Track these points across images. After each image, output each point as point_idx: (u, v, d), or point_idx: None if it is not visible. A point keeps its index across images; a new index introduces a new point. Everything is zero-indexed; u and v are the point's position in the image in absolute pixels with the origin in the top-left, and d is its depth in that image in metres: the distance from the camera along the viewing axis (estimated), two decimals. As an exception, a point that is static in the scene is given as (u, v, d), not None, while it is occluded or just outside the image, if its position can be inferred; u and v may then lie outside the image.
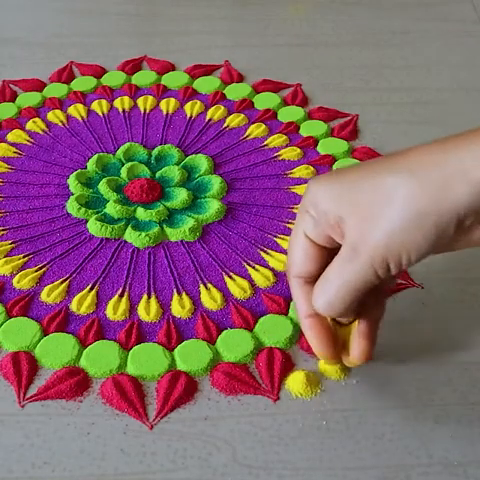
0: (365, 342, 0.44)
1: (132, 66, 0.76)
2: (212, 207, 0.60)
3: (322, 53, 0.80)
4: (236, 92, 0.73)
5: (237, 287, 0.54)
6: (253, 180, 0.64)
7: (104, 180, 0.62)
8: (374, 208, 0.38)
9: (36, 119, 0.69)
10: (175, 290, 0.54)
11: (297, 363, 0.50)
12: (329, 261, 0.42)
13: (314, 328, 0.44)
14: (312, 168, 0.64)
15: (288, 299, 0.53)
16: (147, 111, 0.71)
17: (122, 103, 0.71)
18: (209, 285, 0.54)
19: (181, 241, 0.58)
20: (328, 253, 0.42)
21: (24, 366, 0.49)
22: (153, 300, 0.53)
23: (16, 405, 0.47)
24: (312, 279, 0.43)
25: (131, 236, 0.57)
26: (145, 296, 0.54)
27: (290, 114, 0.70)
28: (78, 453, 0.45)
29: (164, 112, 0.71)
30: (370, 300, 0.43)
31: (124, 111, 0.71)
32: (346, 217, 0.39)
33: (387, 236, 0.37)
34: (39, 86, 0.73)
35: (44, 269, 0.55)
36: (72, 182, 0.62)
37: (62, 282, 0.54)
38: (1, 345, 0.50)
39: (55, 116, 0.70)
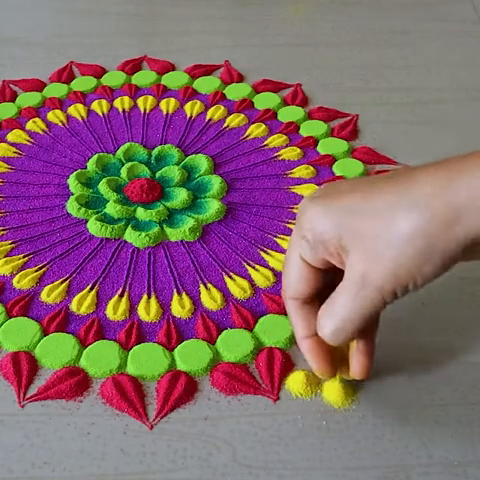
0: (365, 359, 0.45)
1: (132, 66, 0.76)
2: (212, 207, 0.60)
3: (322, 53, 0.80)
4: (236, 92, 0.73)
5: (237, 287, 0.54)
6: (253, 180, 0.64)
7: (104, 180, 0.62)
8: (379, 237, 0.37)
9: (36, 119, 0.69)
10: (175, 290, 0.54)
11: (297, 363, 0.50)
12: (324, 281, 0.42)
13: (313, 349, 0.45)
14: (312, 168, 0.64)
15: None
16: (147, 111, 0.71)
17: (122, 103, 0.71)
18: (209, 285, 0.54)
19: (181, 241, 0.58)
20: (324, 274, 0.43)
21: (24, 366, 0.49)
22: (153, 300, 0.53)
23: (16, 405, 0.47)
24: (308, 300, 0.44)
25: (131, 236, 0.57)
26: (145, 296, 0.54)
27: (290, 114, 0.70)
28: (78, 453, 0.45)
29: (164, 112, 0.71)
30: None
31: (124, 111, 0.71)
32: (350, 248, 0.39)
33: (395, 267, 0.37)
34: (39, 86, 0.73)
35: (44, 269, 0.55)
36: (72, 182, 0.62)
37: (62, 282, 0.54)
38: (1, 345, 0.50)
39: (55, 116, 0.70)
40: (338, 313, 0.41)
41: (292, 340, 0.51)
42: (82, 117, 0.70)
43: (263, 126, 0.69)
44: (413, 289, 0.38)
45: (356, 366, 0.45)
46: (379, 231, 0.37)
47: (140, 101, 0.72)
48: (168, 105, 0.71)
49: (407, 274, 0.37)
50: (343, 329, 0.41)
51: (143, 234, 0.57)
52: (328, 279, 0.43)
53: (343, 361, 0.46)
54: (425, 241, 0.36)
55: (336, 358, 0.46)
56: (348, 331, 0.41)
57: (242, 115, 0.70)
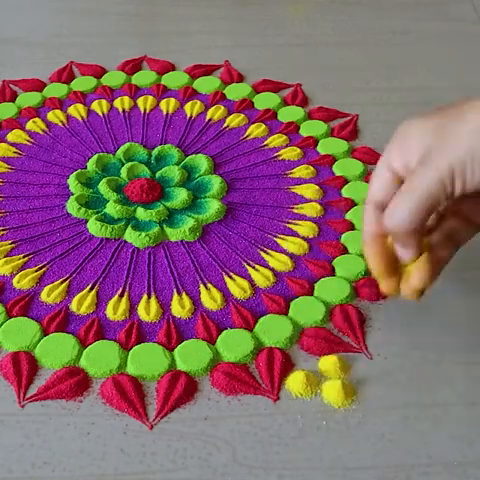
0: (427, 270, 0.46)
1: (132, 66, 0.76)
2: (212, 207, 0.60)
3: (322, 53, 0.80)
4: (236, 92, 0.73)
5: (237, 287, 0.54)
6: (253, 180, 0.64)
7: (104, 180, 0.62)
8: (452, 127, 0.41)
9: (36, 119, 0.69)
10: (175, 290, 0.54)
11: (297, 363, 0.50)
12: None
13: (376, 246, 0.47)
14: (312, 168, 0.64)
15: (288, 299, 0.53)
16: (147, 111, 0.71)
17: (122, 103, 0.71)
18: (209, 285, 0.54)
19: (181, 241, 0.58)
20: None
21: (24, 366, 0.49)
22: (153, 300, 0.53)
23: (16, 405, 0.47)
24: (385, 208, 0.46)
25: (131, 236, 0.57)
26: (145, 296, 0.54)
27: (290, 114, 0.70)
28: (78, 453, 0.45)
29: (164, 112, 0.71)
30: (439, 239, 0.46)
31: (124, 111, 0.71)
32: (426, 141, 0.42)
33: (454, 145, 0.41)
34: (39, 86, 0.73)
35: (44, 269, 0.55)
36: (72, 182, 0.62)
37: (62, 282, 0.54)
38: (1, 345, 0.50)
39: (55, 116, 0.70)
40: (402, 197, 0.43)
41: (292, 340, 0.51)
42: (82, 117, 0.70)
43: (263, 126, 0.69)
44: (470, 177, 0.41)
45: (418, 273, 0.46)
46: (453, 123, 0.42)
47: (140, 101, 0.72)
48: (168, 105, 0.71)
49: (464, 153, 0.40)
50: (404, 214, 0.43)
51: (143, 234, 0.57)
52: None
53: (406, 279, 0.47)
54: None
55: (396, 266, 0.47)
56: (409, 217, 0.43)
57: (242, 115, 0.70)
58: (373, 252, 0.47)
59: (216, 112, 0.70)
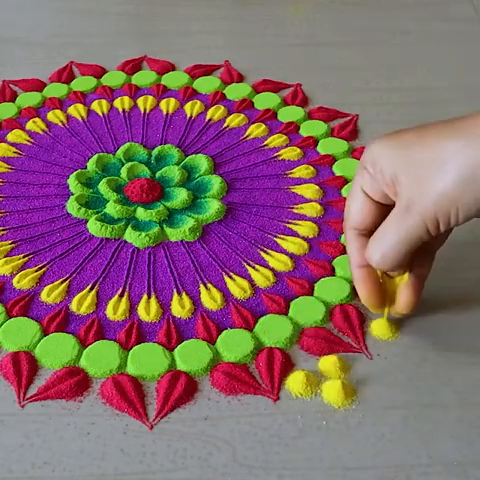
0: (412, 293, 0.48)
1: (132, 66, 0.76)
2: (212, 207, 0.60)
3: (322, 53, 0.80)
4: (236, 92, 0.73)
5: (237, 287, 0.54)
6: (253, 180, 0.64)
7: (104, 180, 0.62)
8: (429, 168, 0.40)
9: (36, 119, 0.69)
10: (175, 290, 0.54)
11: (297, 363, 0.50)
12: (383, 216, 0.45)
13: (363, 278, 0.48)
14: (312, 168, 0.64)
15: (288, 299, 0.53)
16: (147, 111, 0.71)
17: (122, 103, 0.71)
18: (209, 285, 0.54)
19: (181, 241, 0.58)
20: (383, 209, 0.46)
21: (24, 366, 0.49)
22: (153, 300, 0.53)
23: (16, 405, 0.47)
24: (366, 232, 0.47)
25: (131, 236, 0.57)
26: (145, 296, 0.54)
27: (290, 114, 0.70)
28: (78, 453, 0.45)
29: (164, 112, 0.71)
30: (419, 258, 0.47)
31: (124, 111, 0.71)
32: (401, 175, 0.42)
33: (439, 194, 0.40)
34: (39, 86, 0.73)
35: (44, 269, 0.55)
36: (72, 182, 0.62)
37: (62, 282, 0.54)
38: (1, 345, 0.50)
39: (55, 116, 0.70)
40: (384, 238, 0.44)
41: (292, 340, 0.51)
42: (82, 117, 0.70)
43: (263, 126, 0.69)
44: (454, 221, 0.41)
45: (403, 299, 0.48)
46: (427, 160, 0.41)
47: (140, 101, 0.72)
48: (168, 105, 0.71)
49: (449, 202, 0.40)
50: (388, 254, 0.44)
51: (143, 234, 0.57)
52: (386, 215, 0.45)
53: (392, 300, 0.49)
54: (470, 170, 0.39)
55: (385, 293, 0.49)
56: (393, 256, 0.44)
57: (242, 115, 0.70)
58: (363, 286, 0.49)
59: (216, 112, 0.70)
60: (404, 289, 0.48)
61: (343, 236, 0.56)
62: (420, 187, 0.41)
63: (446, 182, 0.40)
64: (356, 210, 0.46)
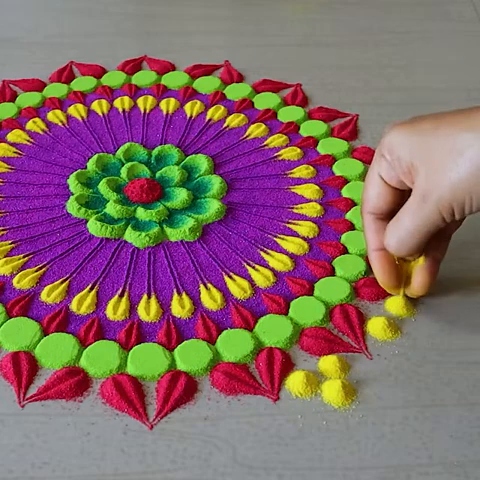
0: (427, 276, 0.50)
1: (132, 66, 0.76)
2: (212, 207, 0.60)
3: (322, 53, 0.80)
4: (236, 92, 0.73)
5: (237, 287, 0.54)
6: (253, 180, 0.64)
7: (104, 180, 0.62)
8: (445, 159, 0.42)
9: (36, 119, 0.69)
10: (175, 290, 0.54)
11: (297, 363, 0.50)
12: (399, 201, 0.47)
13: (380, 260, 0.50)
14: (312, 168, 0.64)
15: (288, 299, 0.53)
16: (147, 111, 0.71)
17: (122, 103, 0.71)
18: (209, 285, 0.54)
19: (181, 241, 0.58)
20: (399, 194, 0.47)
21: (24, 366, 0.49)
22: (153, 300, 0.53)
23: (16, 405, 0.47)
24: (383, 216, 0.49)
25: (131, 236, 0.57)
26: (145, 296, 0.54)
27: (290, 114, 0.70)
28: (78, 453, 0.45)
29: (164, 112, 0.71)
30: (434, 241, 0.48)
31: (124, 111, 0.71)
32: (418, 165, 0.43)
33: (454, 184, 0.42)
34: (39, 86, 0.73)
35: (44, 269, 0.55)
36: (72, 182, 0.62)
37: (62, 282, 0.54)
38: (1, 345, 0.50)
39: (55, 116, 0.70)
40: (401, 225, 0.46)
41: (292, 340, 0.51)
42: (82, 117, 0.70)
43: (263, 126, 0.69)
44: (468, 209, 0.43)
45: (417, 280, 0.50)
46: (443, 150, 0.42)
47: (140, 101, 0.72)
48: (168, 105, 0.71)
49: (464, 190, 0.42)
50: (406, 241, 0.46)
51: (143, 234, 0.57)
52: (402, 200, 0.47)
53: (407, 281, 0.51)
54: None
55: (401, 275, 0.51)
56: (409, 243, 0.46)
57: (242, 115, 0.70)
58: (380, 268, 0.50)
59: (216, 112, 0.70)
60: (420, 271, 0.50)
61: (344, 238, 0.58)
62: (436, 176, 0.42)
63: (461, 172, 0.41)
64: (373, 195, 0.48)
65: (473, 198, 0.42)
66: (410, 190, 0.46)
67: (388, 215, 0.48)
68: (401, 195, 0.48)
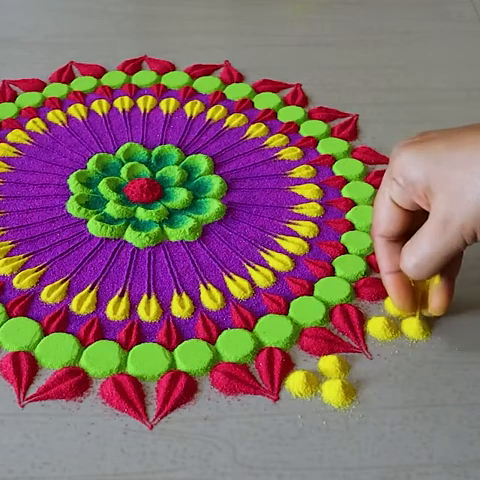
0: (444, 296, 0.49)
1: (132, 66, 0.76)
2: (212, 207, 0.60)
3: (322, 53, 0.80)
4: (236, 92, 0.73)
5: (237, 287, 0.54)
6: (253, 180, 0.64)
7: (104, 180, 0.62)
8: (464, 182, 0.41)
9: (36, 119, 0.69)
10: (175, 290, 0.54)
11: (297, 363, 0.50)
12: (411, 222, 0.47)
13: (395, 284, 0.49)
14: (312, 168, 0.64)
15: (288, 299, 0.53)
16: (147, 111, 0.71)
17: (122, 103, 0.71)
18: (209, 285, 0.54)
19: (181, 241, 0.58)
20: (411, 215, 0.47)
21: (24, 366, 0.49)
22: (153, 300, 0.53)
23: (16, 405, 0.47)
24: (395, 238, 0.48)
25: (131, 236, 0.57)
26: (145, 296, 0.54)
27: (290, 114, 0.70)
28: (78, 453, 0.45)
29: (164, 112, 0.71)
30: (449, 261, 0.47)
31: (124, 111, 0.71)
32: (436, 191, 0.42)
33: (476, 209, 0.41)
34: (39, 86, 0.73)
35: (44, 269, 0.55)
36: (72, 182, 0.62)
37: (62, 282, 0.54)
38: (1, 345, 0.50)
39: (55, 116, 0.70)
40: (421, 250, 0.45)
41: (292, 340, 0.51)
42: (82, 117, 0.70)
43: (263, 126, 0.69)
44: None
45: (435, 302, 0.49)
46: (463, 177, 0.41)
47: (140, 101, 0.72)
48: (168, 105, 0.71)
49: None
50: (424, 265, 0.45)
51: (143, 234, 0.57)
52: (415, 221, 0.46)
53: (423, 300, 0.50)
54: None
55: (417, 296, 0.50)
56: (429, 267, 0.45)
57: (242, 115, 0.70)
58: (395, 291, 0.49)
59: (216, 112, 0.70)
60: (437, 293, 0.49)
61: (344, 238, 0.58)
62: (457, 202, 0.42)
63: None
64: (384, 218, 0.47)
65: None
66: (423, 210, 0.45)
67: (400, 237, 0.48)
68: (413, 217, 0.47)
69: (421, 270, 0.45)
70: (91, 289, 0.54)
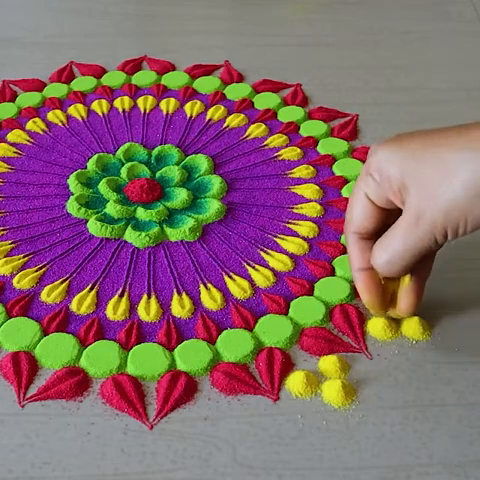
0: (413, 297, 0.49)
1: (132, 66, 0.76)
2: (212, 207, 0.60)
3: (322, 53, 0.80)
4: (236, 92, 0.73)
5: (237, 287, 0.54)
6: (253, 180, 0.64)
7: (104, 180, 0.62)
8: (438, 180, 0.41)
9: (36, 119, 0.69)
10: (175, 290, 0.54)
11: (297, 363, 0.50)
12: (385, 221, 0.46)
13: (365, 281, 0.49)
14: (312, 168, 0.64)
15: (288, 299, 0.53)
16: (147, 111, 0.71)
17: (122, 103, 0.71)
18: (209, 285, 0.54)
19: (181, 241, 0.58)
20: (385, 214, 0.47)
21: (24, 366, 0.49)
22: (153, 300, 0.53)
23: (16, 405, 0.47)
24: (368, 236, 0.48)
25: (131, 236, 0.57)
26: (145, 296, 0.54)
27: (290, 114, 0.70)
28: (78, 453, 0.45)
29: (164, 112, 0.71)
30: (419, 261, 0.46)
31: (124, 111, 0.71)
32: (410, 187, 0.43)
33: (449, 206, 0.41)
34: (39, 86, 0.73)
35: (44, 269, 0.55)
36: (72, 182, 0.62)
37: (62, 282, 0.54)
38: (1, 345, 0.50)
39: (55, 116, 0.70)
40: (392, 246, 0.45)
41: (292, 340, 0.51)
42: (82, 117, 0.70)
43: (263, 126, 0.69)
44: (462, 231, 0.42)
45: (404, 303, 0.49)
46: (436, 171, 0.41)
47: (140, 101, 0.72)
48: (168, 105, 0.71)
49: (459, 214, 0.41)
50: (395, 261, 0.45)
51: (143, 234, 0.57)
52: (389, 220, 0.46)
53: (393, 300, 0.50)
54: (478, 183, 0.40)
55: (387, 295, 0.49)
56: (399, 264, 0.45)
57: (242, 115, 0.70)
58: (365, 288, 0.49)
59: (216, 112, 0.70)
60: (406, 293, 0.49)
61: (343, 238, 0.57)
62: (429, 199, 0.42)
63: (456, 195, 0.41)
64: (358, 215, 0.47)
65: (468, 220, 0.41)
66: (397, 209, 0.45)
67: (373, 235, 0.47)
68: (387, 215, 0.46)
69: (392, 266, 0.46)
70: (91, 289, 0.54)
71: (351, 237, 0.48)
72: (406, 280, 0.48)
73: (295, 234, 0.59)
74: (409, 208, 0.43)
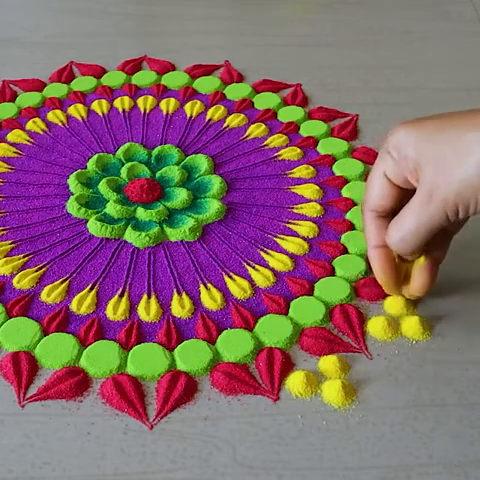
0: (427, 276, 0.50)
1: (132, 66, 0.76)
2: (212, 207, 0.60)
3: (322, 53, 0.80)
4: (236, 92, 0.73)
5: (237, 287, 0.54)
6: (253, 180, 0.64)
7: (104, 180, 0.62)
8: (452, 159, 0.42)
9: (36, 119, 0.69)
10: (175, 290, 0.54)
11: (297, 363, 0.50)
12: (402, 200, 0.47)
13: (380, 258, 0.50)
14: (312, 168, 0.64)
15: (288, 299, 0.53)
16: (147, 111, 0.71)
17: (122, 103, 0.71)
18: (209, 285, 0.54)
19: (181, 241, 0.58)
20: (402, 193, 0.47)
21: (24, 366, 0.49)
22: (153, 300, 0.53)
23: (16, 405, 0.47)
24: (384, 214, 0.49)
25: (131, 236, 0.57)
26: (145, 296, 0.54)
27: (290, 114, 0.70)
28: (78, 453, 0.45)
29: (164, 112, 0.71)
30: (435, 242, 0.48)
31: (124, 111, 0.71)
32: (424, 164, 0.44)
33: (461, 184, 0.42)
34: (39, 86, 0.73)
35: (44, 269, 0.55)
36: (72, 182, 0.62)
37: (62, 282, 0.54)
38: (1, 345, 0.50)
39: (55, 116, 0.70)
40: (405, 223, 0.46)
41: (292, 340, 0.51)
42: (82, 117, 0.70)
43: (263, 126, 0.69)
44: (473, 209, 0.43)
45: (417, 282, 0.50)
46: (450, 151, 0.43)
47: (140, 101, 0.72)
48: (168, 105, 0.71)
49: (471, 192, 0.42)
50: (408, 239, 0.46)
51: (143, 234, 0.57)
52: (405, 199, 0.47)
53: (406, 280, 0.51)
54: None
55: (400, 274, 0.51)
56: (413, 241, 0.46)
57: (242, 115, 0.70)
58: (379, 265, 0.50)
59: (216, 112, 0.70)
60: (419, 272, 0.50)
61: (344, 238, 0.58)
62: (442, 176, 0.43)
63: (468, 173, 0.42)
64: (376, 193, 0.48)
65: (479, 198, 0.42)
66: (414, 190, 0.46)
67: (390, 213, 0.48)
68: (405, 194, 0.47)
69: (406, 244, 0.46)
70: (91, 289, 0.54)
71: (368, 215, 0.49)
72: (421, 260, 0.49)
73: (295, 234, 0.59)
74: (423, 186, 0.44)
